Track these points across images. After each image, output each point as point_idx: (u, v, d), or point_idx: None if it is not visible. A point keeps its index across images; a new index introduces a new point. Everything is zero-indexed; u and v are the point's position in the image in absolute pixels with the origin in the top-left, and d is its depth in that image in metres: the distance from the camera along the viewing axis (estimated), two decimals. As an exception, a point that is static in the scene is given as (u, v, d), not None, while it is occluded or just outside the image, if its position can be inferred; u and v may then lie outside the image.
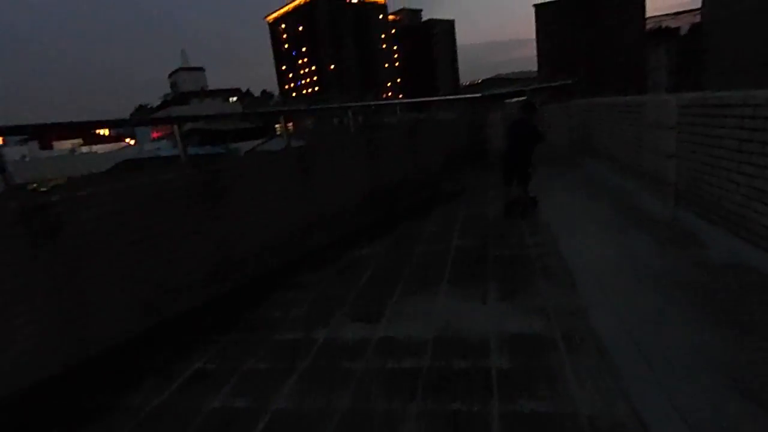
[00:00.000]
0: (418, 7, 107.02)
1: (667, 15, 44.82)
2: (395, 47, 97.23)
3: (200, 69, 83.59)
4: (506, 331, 2.89)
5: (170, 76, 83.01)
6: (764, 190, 3.33)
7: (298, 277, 4.46)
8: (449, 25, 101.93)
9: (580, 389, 2.24)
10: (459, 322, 3.11)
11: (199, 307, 3.83)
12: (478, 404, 2.23)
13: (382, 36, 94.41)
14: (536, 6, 41.47)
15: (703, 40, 22.33)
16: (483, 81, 56.97)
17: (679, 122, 4.75)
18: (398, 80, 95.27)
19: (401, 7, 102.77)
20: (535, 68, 45.14)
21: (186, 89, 75.76)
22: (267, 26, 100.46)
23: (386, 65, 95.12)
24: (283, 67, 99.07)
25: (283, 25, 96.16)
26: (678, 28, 46.62)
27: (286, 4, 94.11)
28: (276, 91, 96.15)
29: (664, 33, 42.13)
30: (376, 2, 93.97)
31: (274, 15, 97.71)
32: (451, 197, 7.29)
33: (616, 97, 8.67)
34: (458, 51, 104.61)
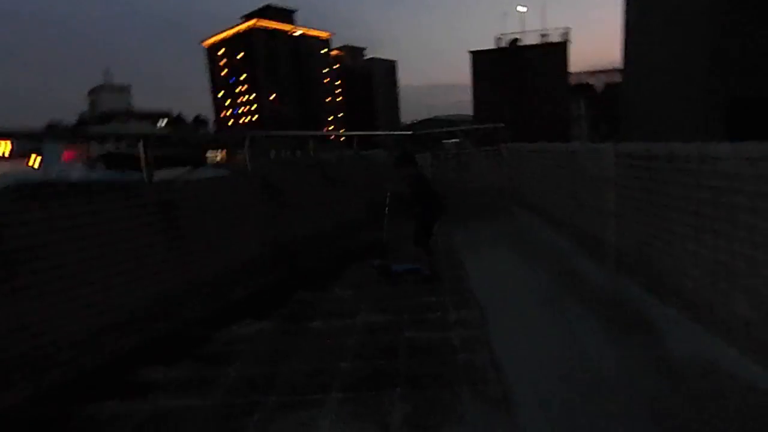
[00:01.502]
0: (360, 45, 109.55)
1: (586, 72, 49.24)
2: (337, 82, 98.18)
3: (125, 88, 78.53)
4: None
5: (90, 93, 76.98)
6: (733, 268, 2.66)
7: (141, 371, 3.15)
8: (391, 65, 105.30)
9: None
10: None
11: None
12: None
13: (324, 71, 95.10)
14: (472, 53, 43.56)
15: (620, 95, 24.12)
16: (421, 121, 58.40)
17: (618, 174, 4.16)
18: (339, 115, 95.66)
19: (344, 43, 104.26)
20: (469, 113, 47.05)
21: (108, 108, 70.20)
22: (204, 51, 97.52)
23: (328, 99, 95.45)
24: (220, 94, 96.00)
25: (222, 51, 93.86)
26: (593, 86, 51.35)
27: (226, 30, 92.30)
28: (210, 118, 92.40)
29: (584, 88, 46.13)
30: (319, 37, 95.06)
31: (212, 40, 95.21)
32: (369, 251, 6.20)
33: (545, 143, 8.34)
34: (399, 91, 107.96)
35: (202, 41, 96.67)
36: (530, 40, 43.48)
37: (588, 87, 49.40)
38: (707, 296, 2.90)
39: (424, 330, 3.54)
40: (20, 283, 2.89)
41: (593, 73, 49.78)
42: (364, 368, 3.00)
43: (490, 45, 44.24)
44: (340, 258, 5.91)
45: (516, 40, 43.92)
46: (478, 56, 43.75)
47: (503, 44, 44.17)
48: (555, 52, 41.77)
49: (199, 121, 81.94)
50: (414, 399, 2.59)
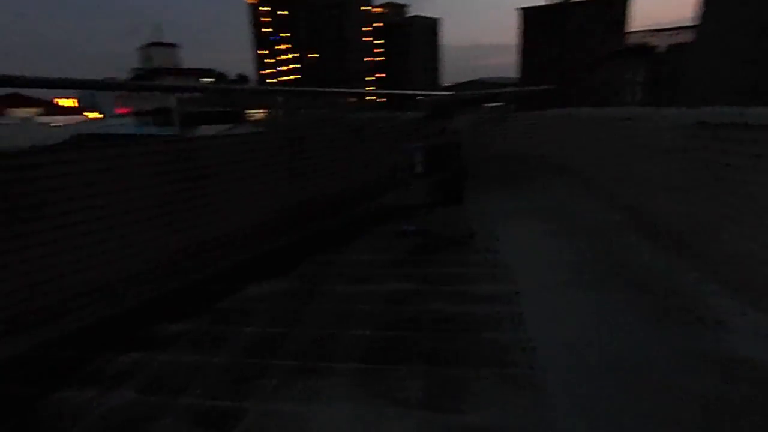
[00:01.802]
0: (403, 2, 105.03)
1: (646, 31, 45.04)
2: (378, 41, 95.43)
3: (173, 45, 79.60)
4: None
5: (141, 49, 78.65)
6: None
7: (158, 323, 3.12)
8: (433, 23, 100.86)
9: None
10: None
11: None
12: None
13: (365, 29, 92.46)
14: (521, 9, 40.79)
15: (685, 58, 21.91)
16: (463, 83, 56.12)
17: (691, 145, 3.63)
18: (377, 76, 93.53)
19: (386, 0, 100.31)
20: (515, 75, 44.54)
21: (157, 65, 71.67)
22: (247, 8, 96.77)
23: (368, 58, 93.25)
24: (262, 52, 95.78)
25: (264, 7, 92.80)
26: (653, 47, 47.03)
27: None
28: (252, 76, 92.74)
29: (644, 50, 42.32)
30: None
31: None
32: (394, 214, 5.93)
33: (595, 108, 7.61)
34: (441, 51, 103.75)
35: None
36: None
37: (647, 49, 45.42)
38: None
39: (449, 302, 3.30)
40: (47, 225, 2.88)
41: (655, 32, 45.47)
42: (380, 338, 2.82)
43: (541, 1, 41.18)
44: (362, 220, 5.70)
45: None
46: (527, 13, 40.92)
47: (555, 0, 40.98)
48: (611, 9, 38.38)
49: (241, 78, 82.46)
50: (432, 377, 2.38)
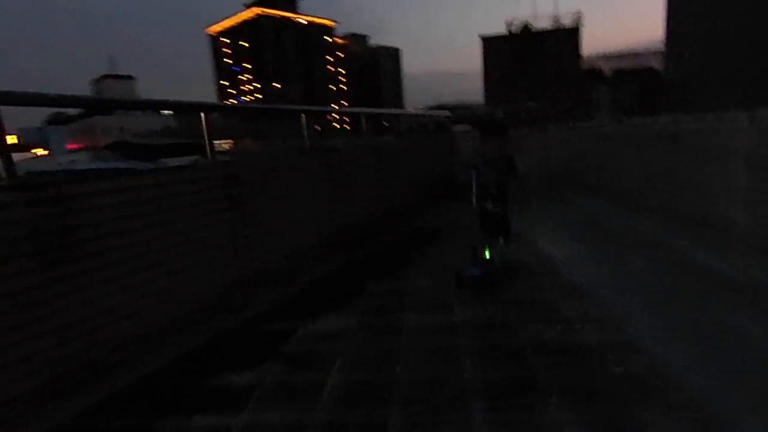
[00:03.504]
0: (365, 33, 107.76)
1: (597, 57, 48.35)
2: (342, 71, 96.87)
3: (130, 77, 77.65)
4: None
5: (94, 83, 76.16)
6: None
7: (219, 375, 2.61)
8: (395, 52, 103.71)
9: None
10: None
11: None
12: None
13: (329, 58, 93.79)
14: (483, 38, 42.55)
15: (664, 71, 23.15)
16: (430, 108, 57.31)
17: (756, 146, 3.55)
18: (344, 104, 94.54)
19: (348, 31, 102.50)
20: (478, 100, 46.07)
21: (114, 98, 69.40)
22: (208, 39, 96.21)
23: (333, 87, 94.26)
24: (224, 83, 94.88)
25: (226, 39, 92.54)
26: (602, 71, 50.69)
27: (230, 17, 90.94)
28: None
29: (596, 73, 45.41)
30: (324, 24, 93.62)
31: (217, 28, 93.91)
32: (429, 239, 5.63)
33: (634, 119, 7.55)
34: (404, 79, 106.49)
35: (207, 29, 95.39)
36: (541, 24, 42.47)
37: (598, 72, 48.75)
38: None
39: (542, 328, 2.97)
40: (84, 267, 2.37)
41: (604, 58, 48.86)
42: (492, 374, 2.44)
43: (499, 30, 43.25)
44: (396, 244, 5.33)
45: (527, 25, 42.90)
46: (489, 42, 42.76)
47: (514, 29, 43.18)
48: (568, 36, 40.81)
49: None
50: (581, 412, 2.03)
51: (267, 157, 4.08)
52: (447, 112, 11.13)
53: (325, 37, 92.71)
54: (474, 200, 3.84)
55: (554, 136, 9.27)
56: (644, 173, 5.80)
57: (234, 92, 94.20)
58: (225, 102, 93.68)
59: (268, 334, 3.12)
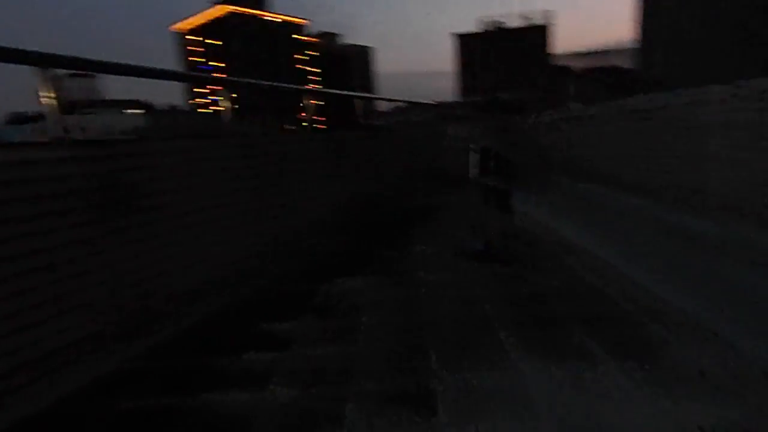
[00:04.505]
0: (337, 31, 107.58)
1: (567, 55, 50.10)
2: (313, 69, 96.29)
3: (92, 75, 74.81)
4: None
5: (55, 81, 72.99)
6: None
7: (263, 324, 2.80)
8: (367, 50, 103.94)
9: None
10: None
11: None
12: None
13: (300, 57, 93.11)
14: (456, 35, 43.32)
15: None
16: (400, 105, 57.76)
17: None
18: (315, 103, 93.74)
19: (320, 30, 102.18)
20: (451, 99, 46.95)
21: (74, 98, 66.75)
22: (175, 36, 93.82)
23: (304, 86, 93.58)
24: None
25: (194, 36, 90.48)
26: (572, 68, 52.83)
27: (197, 13, 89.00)
28: (184, 108, 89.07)
29: (566, 70, 47.18)
30: (295, 23, 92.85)
31: (185, 25, 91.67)
32: (427, 214, 5.88)
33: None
34: (376, 78, 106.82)
35: (172, 26, 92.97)
36: (513, 22, 43.64)
37: (568, 69, 50.56)
38: None
39: (551, 276, 3.31)
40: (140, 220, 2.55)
41: (573, 56, 50.61)
42: (519, 313, 2.73)
43: (471, 28, 44.22)
44: (398, 219, 5.62)
45: (499, 23, 43.97)
46: (461, 39, 43.55)
47: (486, 27, 44.19)
48: (538, 34, 42.11)
49: (173, 109, 78.91)
50: (600, 335, 2.36)
51: (293, 138, 4.28)
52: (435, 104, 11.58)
53: (296, 35, 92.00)
54: (474, 175, 4.05)
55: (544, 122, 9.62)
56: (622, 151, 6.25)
57: (205, 90, 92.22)
58: (191, 101, 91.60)
59: (298, 293, 3.32)
